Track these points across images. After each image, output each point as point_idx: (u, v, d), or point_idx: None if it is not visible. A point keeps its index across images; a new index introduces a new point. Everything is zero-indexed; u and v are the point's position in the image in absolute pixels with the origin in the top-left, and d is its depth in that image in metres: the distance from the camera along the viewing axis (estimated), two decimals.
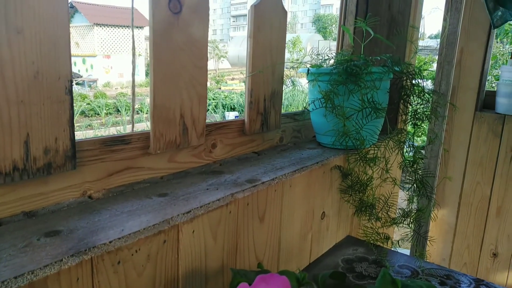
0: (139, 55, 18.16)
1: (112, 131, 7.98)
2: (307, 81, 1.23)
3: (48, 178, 0.68)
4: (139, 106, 9.33)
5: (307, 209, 1.08)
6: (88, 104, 10.09)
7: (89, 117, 9.42)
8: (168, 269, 0.70)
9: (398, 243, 1.23)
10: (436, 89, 1.65)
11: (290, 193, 1.00)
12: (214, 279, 0.81)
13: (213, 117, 8.99)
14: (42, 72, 0.63)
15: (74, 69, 18.12)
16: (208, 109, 9.72)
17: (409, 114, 1.23)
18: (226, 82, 16.48)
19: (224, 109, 10.07)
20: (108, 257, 0.60)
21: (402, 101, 1.24)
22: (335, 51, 1.50)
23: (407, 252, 1.77)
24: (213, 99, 10.61)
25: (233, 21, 70.90)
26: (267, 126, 1.13)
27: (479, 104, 1.65)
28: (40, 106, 0.64)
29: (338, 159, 1.17)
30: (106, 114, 9.66)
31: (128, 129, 7.69)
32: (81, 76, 17.27)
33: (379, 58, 1.17)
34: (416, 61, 1.58)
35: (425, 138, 2.32)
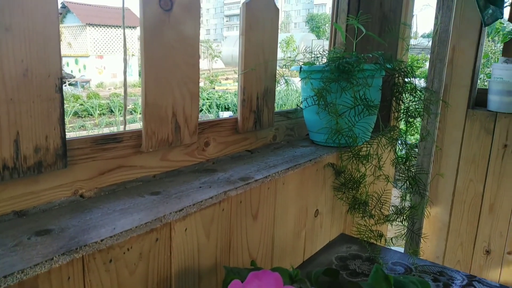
0: (132, 55, 18.10)
1: (105, 131, 7.94)
2: (300, 78, 1.23)
3: (38, 177, 0.68)
4: (133, 106, 9.29)
5: (300, 207, 1.08)
6: (81, 104, 10.03)
7: (82, 117, 9.36)
8: (160, 268, 0.70)
9: (392, 241, 1.23)
10: (428, 86, 1.65)
11: (283, 191, 1.00)
12: (208, 277, 0.81)
13: (207, 117, 8.98)
14: (32, 69, 0.62)
15: (67, 70, 18.02)
16: (202, 109, 9.70)
17: (402, 111, 1.23)
18: (220, 82, 16.47)
19: (218, 109, 10.06)
20: (99, 256, 0.59)
21: (394, 99, 1.24)
22: (328, 50, 1.50)
23: (401, 250, 1.78)
24: (207, 99, 10.59)
25: (226, 21, 70.85)
26: (260, 124, 1.13)
27: (471, 101, 1.66)
28: (30, 104, 0.63)
29: (331, 156, 1.17)
30: (100, 114, 9.61)
31: (121, 129, 7.66)
32: (74, 77, 17.17)
33: (371, 55, 1.18)
34: (409, 59, 1.59)
35: (418, 136, 2.34)
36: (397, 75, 1.22)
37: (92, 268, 0.59)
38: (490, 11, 1.44)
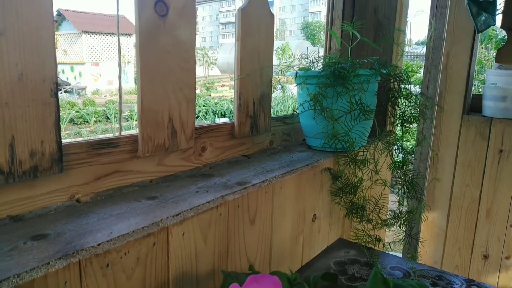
0: (128, 62, 18.11)
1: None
2: (296, 84, 1.24)
3: (34, 182, 0.67)
4: (129, 113, 9.28)
5: (298, 212, 1.08)
6: (77, 111, 10.00)
7: (78, 124, 9.34)
8: (158, 272, 0.69)
9: (390, 246, 1.23)
10: (423, 92, 1.66)
11: (281, 196, 1.00)
12: (205, 281, 0.80)
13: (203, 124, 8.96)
14: (27, 74, 0.62)
15: (63, 77, 17.99)
16: (199, 116, 9.70)
17: (397, 116, 1.24)
18: (216, 89, 16.49)
19: (215, 116, 10.06)
20: (96, 260, 0.59)
21: (390, 104, 1.25)
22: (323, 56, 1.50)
23: (399, 255, 1.77)
24: (204, 106, 10.60)
25: (222, 28, 71.13)
26: (256, 129, 1.13)
27: (466, 107, 1.67)
28: (25, 109, 0.63)
29: (328, 161, 1.17)
30: (96, 121, 9.59)
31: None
32: (70, 84, 17.14)
33: (366, 61, 1.18)
34: (403, 65, 1.60)
35: (414, 142, 2.34)
36: (392, 80, 1.23)
37: (89, 273, 0.58)
38: (483, 18, 1.46)
